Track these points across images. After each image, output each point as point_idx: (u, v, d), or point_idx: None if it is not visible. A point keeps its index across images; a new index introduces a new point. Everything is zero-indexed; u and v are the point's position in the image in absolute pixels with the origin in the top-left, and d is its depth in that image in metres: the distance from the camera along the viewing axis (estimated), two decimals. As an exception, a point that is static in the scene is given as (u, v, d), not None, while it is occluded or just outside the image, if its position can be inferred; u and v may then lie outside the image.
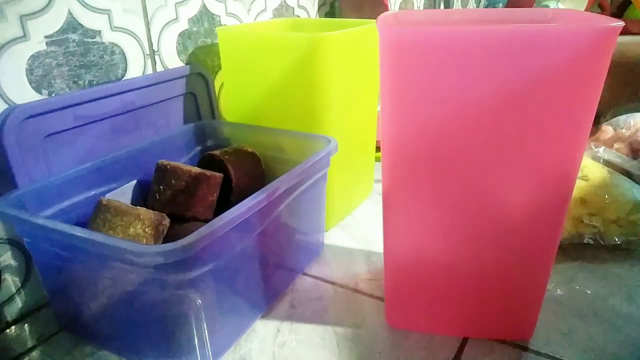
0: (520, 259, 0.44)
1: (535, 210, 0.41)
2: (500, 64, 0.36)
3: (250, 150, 0.64)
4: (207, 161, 0.63)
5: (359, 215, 0.74)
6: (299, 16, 0.88)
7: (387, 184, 0.44)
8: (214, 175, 0.57)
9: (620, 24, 0.34)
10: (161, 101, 0.64)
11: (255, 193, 0.45)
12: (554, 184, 0.40)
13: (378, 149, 0.89)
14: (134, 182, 0.59)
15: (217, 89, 0.73)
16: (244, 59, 0.64)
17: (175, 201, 0.55)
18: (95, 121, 0.56)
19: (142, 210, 0.48)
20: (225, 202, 0.60)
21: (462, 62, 0.36)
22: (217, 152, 0.62)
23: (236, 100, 0.67)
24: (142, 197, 0.59)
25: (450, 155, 0.40)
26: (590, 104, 0.37)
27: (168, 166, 0.55)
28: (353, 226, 0.71)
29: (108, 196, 0.54)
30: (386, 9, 0.91)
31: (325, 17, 0.96)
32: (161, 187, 0.55)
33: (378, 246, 0.65)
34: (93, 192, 0.53)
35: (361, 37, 0.64)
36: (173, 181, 0.55)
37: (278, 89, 0.63)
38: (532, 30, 0.35)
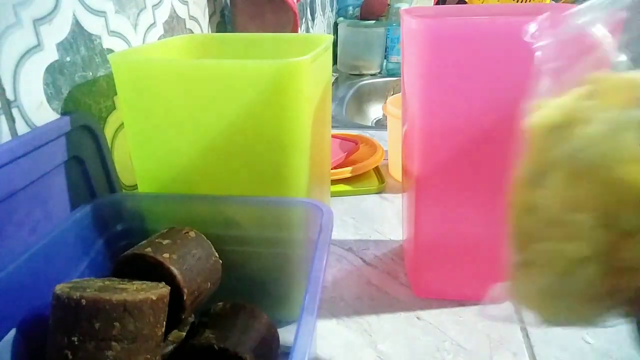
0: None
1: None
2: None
3: (192, 234, 0.43)
4: (129, 265, 0.40)
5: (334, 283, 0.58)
6: (191, 30, 0.67)
7: (421, 169, 0.45)
8: (161, 295, 0.35)
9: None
10: (31, 183, 0.39)
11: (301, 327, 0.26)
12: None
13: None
14: (13, 333, 0.34)
15: (109, 143, 0.50)
16: (159, 100, 0.42)
17: (103, 356, 0.33)
18: None
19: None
20: (171, 321, 0.39)
21: (498, 51, 0.38)
22: (147, 249, 0.40)
23: (151, 159, 0.45)
24: (32, 355, 0.35)
25: (484, 140, 0.42)
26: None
27: (82, 300, 0.32)
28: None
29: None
30: (294, 13, 0.76)
31: (217, 27, 0.76)
32: (74, 338, 0.32)
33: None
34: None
35: (325, 57, 0.48)
36: (97, 324, 0.32)
37: (222, 137, 0.43)
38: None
